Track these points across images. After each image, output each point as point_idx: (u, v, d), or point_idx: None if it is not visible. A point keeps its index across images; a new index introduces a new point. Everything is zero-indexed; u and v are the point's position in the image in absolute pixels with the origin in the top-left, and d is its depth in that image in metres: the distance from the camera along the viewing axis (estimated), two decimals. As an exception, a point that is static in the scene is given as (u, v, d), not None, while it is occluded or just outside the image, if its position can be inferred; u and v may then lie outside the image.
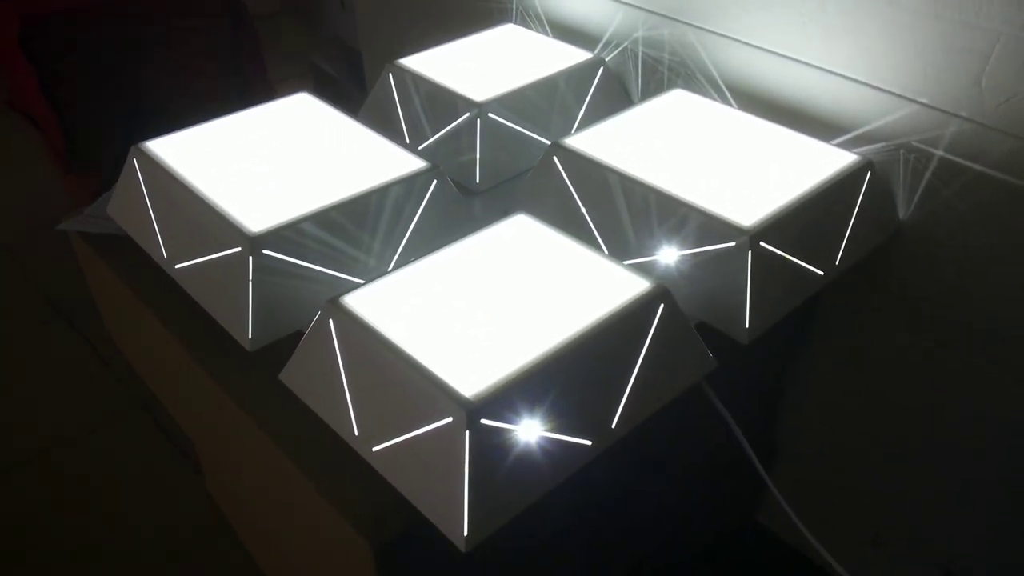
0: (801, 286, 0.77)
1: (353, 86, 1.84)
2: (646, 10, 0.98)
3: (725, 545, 1.19)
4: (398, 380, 0.58)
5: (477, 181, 0.92)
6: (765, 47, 0.89)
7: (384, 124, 0.99)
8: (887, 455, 1.00)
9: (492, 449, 0.55)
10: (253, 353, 0.70)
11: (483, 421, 0.54)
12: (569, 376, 0.59)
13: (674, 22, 0.96)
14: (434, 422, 0.56)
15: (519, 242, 0.71)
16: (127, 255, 0.85)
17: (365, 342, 0.60)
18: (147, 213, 0.81)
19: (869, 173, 0.81)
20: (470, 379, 0.56)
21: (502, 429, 0.55)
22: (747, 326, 0.71)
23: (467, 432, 0.53)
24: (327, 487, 0.63)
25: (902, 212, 0.85)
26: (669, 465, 0.90)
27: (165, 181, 0.78)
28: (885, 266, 0.88)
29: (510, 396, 0.56)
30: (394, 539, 0.60)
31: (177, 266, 0.78)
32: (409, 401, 0.57)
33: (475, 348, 0.60)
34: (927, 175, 0.81)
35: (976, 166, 0.77)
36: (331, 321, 0.63)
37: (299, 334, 0.73)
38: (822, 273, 0.78)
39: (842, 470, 1.07)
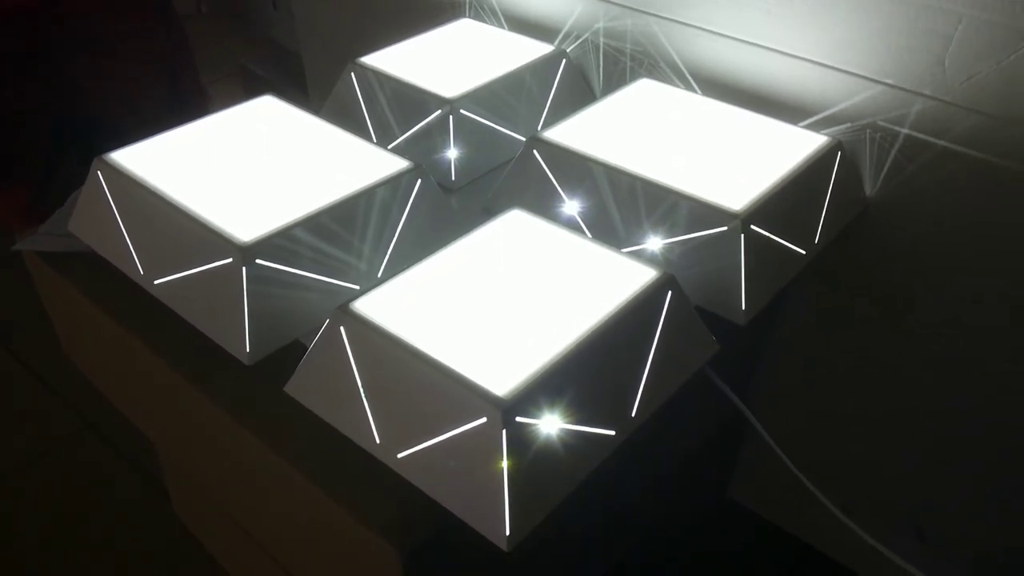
0: (787, 266, 0.79)
1: (289, 89, 1.80)
2: (608, 1, 0.99)
3: (701, 523, 1.22)
4: (422, 384, 0.57)
5: (452, 179, 0.91)
6: (731, 35, 0.90)
7: (348, 125, 0.97)
8: (857, 425, 1.04)
9: (526, 446, 0.55)
10: (241, 367, 0.68)
11: (517, 419, 0.54)
12: (591, 368, 0.59)
13: (637, 13, 0.97)
14: (465, 423, 0.55)
15: (518, 237, 0.71)
16: (94, 273, 0.82)
17: (382, 348, 0.59)
18: (118, 228, 0.78)
19: (839, 153, 0.84)
20: (497, 378, 0.56)
21: (534, 425, 0.55)
22: (743, 307, 0.73)
23: (503, 431, 0.53)
24: (345, 497, 0.61)
25: (868, 189, 0.88)
26: (665, 449, 0.91)
27: (138, 194, 0.75)
28: (852, 241, 0.91)
29: (539, 392, 0.56)
30: (422, 544, 0.59)
31: (156, 282, 0.75)
32: (435, 404, 0.57)
33: (494, 347, 0.60)
34: (893, 152, 0.84)
35: (941, 142, 0.81)
36: (342, 328, 0.61)
37: (295, 344, 0.71)
38: (804, 252, 0.80)
39: (812, 441, 1.10)
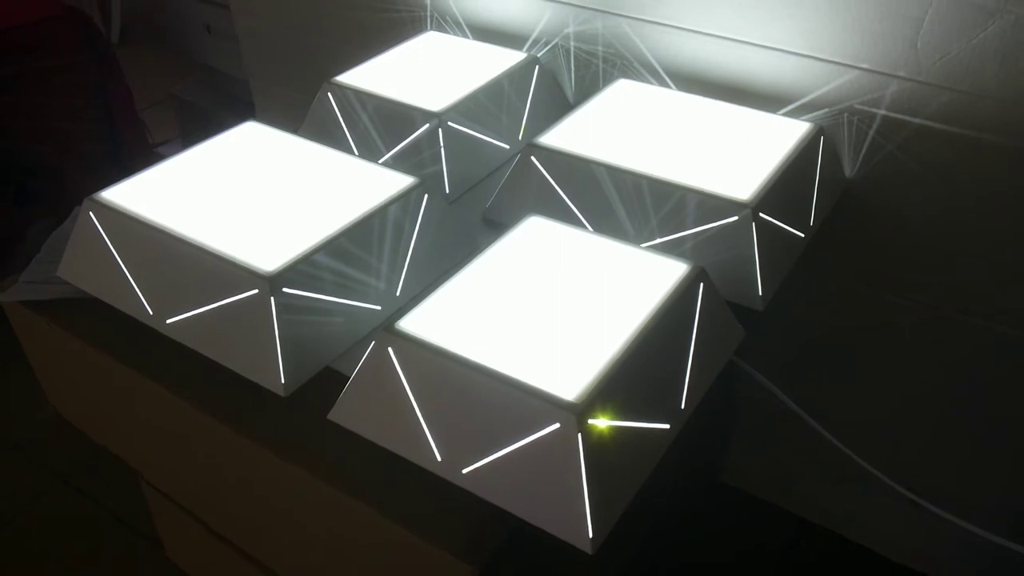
0: (791, 250, 0.82)
1: (224, 114, 1.75)
2: (577, 6, 1.00)
3: (699, 507, 1.24)
4: (484, 397, 0.57)
5: (447, 191, 0.91)
6: (704, 31, 0.93)
7: (329, 145, 0.95)
8: (843, 400, 1.08)
9: (599, 448, 0.55)
10: (270, 400, 0.67)
11: (590, 422, 0.54)
12: (645, 365, 0.60)
13: (607, 15, 0.99)
14: (536, 432, 0.55)
15: (542, 244, 0.72)
16: (92, 319, 0.78)
17: (437, 365, 0.59)
18: (118, 270, 0.75)
19: (822, 138, 0.87)
20: (562, 383, 0.56)
21: (604, 427, 0.56)
22: (760, 293, 0.75)
23: (579, 435, 0.54)
24: (409, 520, 0.61)
25: (848, 170, 0.92)
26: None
27: (141, 232, 0.72)
28: (833, 221, 0.95)
29: (606, 394, 0.56)
30: (493, 558, 0.59)
31: (169, 321, 0.72)
32: (501, 416, 0.57)
33: (546, 353, 0.60)
34: (871, 133, 0.88)
35: (917, 120, 0.85)
36: (390, 349, 0.61)
37: (327, 371, 0.70)
38: (803, 235, 0.83)
39: (802, 417, 1.14)
